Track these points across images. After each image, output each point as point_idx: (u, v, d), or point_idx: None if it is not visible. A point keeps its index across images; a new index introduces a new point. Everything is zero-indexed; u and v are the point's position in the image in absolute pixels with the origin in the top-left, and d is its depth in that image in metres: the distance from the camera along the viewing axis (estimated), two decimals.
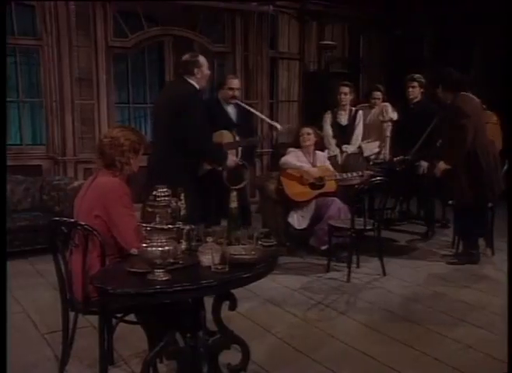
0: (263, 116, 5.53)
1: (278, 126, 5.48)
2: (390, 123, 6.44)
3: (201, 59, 4.64)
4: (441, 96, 5.19)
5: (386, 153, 6.42)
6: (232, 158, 4.83)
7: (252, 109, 5.45)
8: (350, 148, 6.28)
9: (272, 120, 8.27)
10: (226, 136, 5.13)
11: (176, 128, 4.40)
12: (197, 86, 4.59)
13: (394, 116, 6.42)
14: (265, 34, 8.01)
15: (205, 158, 4.68)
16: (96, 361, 2.86)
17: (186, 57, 4.70)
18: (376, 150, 6.41)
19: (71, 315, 3.00)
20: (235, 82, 5.40)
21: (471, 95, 5.03)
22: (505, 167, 5.48)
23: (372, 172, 5.51)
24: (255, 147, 5.34)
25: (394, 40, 9.11)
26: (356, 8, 8.59)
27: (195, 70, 4.56)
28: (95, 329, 3.14)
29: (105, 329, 2.84)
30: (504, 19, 7.19)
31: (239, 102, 5.46)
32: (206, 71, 4.65)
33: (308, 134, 5.67)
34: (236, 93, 5.39)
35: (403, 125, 6.25)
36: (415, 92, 6.23)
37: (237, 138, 5.19)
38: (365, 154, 6.33)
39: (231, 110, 5.41)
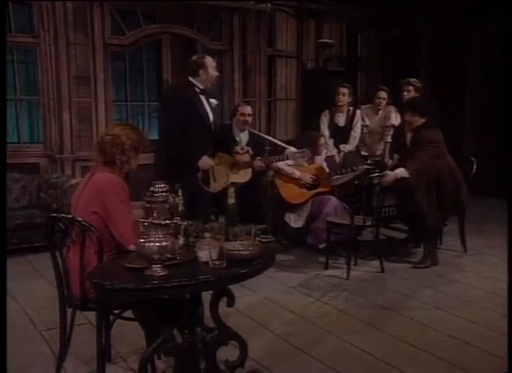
0: (275, 140, 5.80)
1: (292, 148, 5.55)
2: (391, 129, 6.40)
3: (208, 61, 4.85)
4: (408, 120, 5.35)
5: (386, 158, 6.38)
6: (206, 161, 4.82)
7: (265, 135, 5.83)
8: (347, 147, 6.27)
9: (270, 118, 8.37)
10: (224, 159, 5.28)
11: (159, 126, 4.68)
12: (200, 86, 4.82)
13: (396, 121, 6.37)
14: (263, 32, 8.00)
15: (178, 155, 4.69)
16: (94, 358, 2.86)
17: (193, 57, 4.96)
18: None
19: (69, 311, 2.99)
20: (247, 108, 5.63)
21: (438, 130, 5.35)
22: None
23: (366, 167, 5.51)
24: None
25: (393, 39, 9.11)
26: (354, 6, 8.60)
27: (200, 71, 4.81)
28: (92, 326, 3.15)
29: (102, 326, 2.83)
30: (503, 17, 7.20)
31: (252, 130, 5.73)
32: (212, 72, 4.85)
33: (323, 143, 5.74)
34: (248, 119, 5.58)
35: (398, 131, 6.21)
36: (411, 97, 6.18)
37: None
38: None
39: (243, 137, 5.59)
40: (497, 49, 8.25)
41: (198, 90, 4.87)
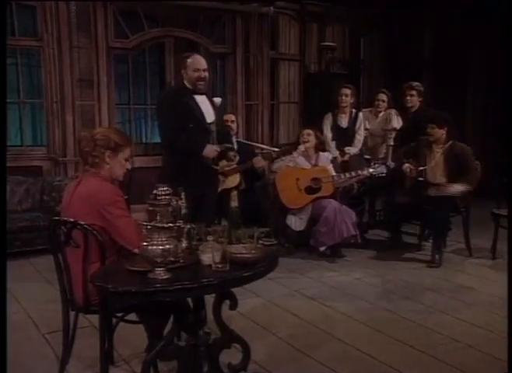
0: (261, 145, 6.31)
1: (275, 149, 5.99)
2: (393, 132, 6.38)
3: (189, 60, 4.70)
4: (429, 132, 5.48)
5: (389, 163, 6.30)
6: (211, 148, 4.74)
7: (252, 143, 6.32)
8: (352, 150, 6.26)
9: (273, 121, 8.38)
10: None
11: (158, 130, 4.99)
12: (189, 86, 4.73)
13: (398, 125, 6.34)
14: (266, 35, 8.02)
15: (180, 150, 4.70)
16: (97, 361, 2.85)
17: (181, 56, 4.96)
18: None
19: (72, 314, 2.99)
20: (229, 116, 6.12)
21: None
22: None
23: (371, 171, 5.51)
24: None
25: (395, 42, 9.11)
26: (356, 9, 8.60)
27: (182, 71, 4.75)
28: (95, 329, 3.14)
29: (105, 329, 2.83)
30: (504, 18, 7.20)
31: (238, 139, 6.10)
32: (191, 72, 4.67)
33: (308, 134, 5.67)
34: (231, 125, 5.97)
35: (403, 135, 6.18)
36: (414, 101, 6.15)
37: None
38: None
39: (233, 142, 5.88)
40: (500, 49, 8.23)
41: (190, 91, 4.76)
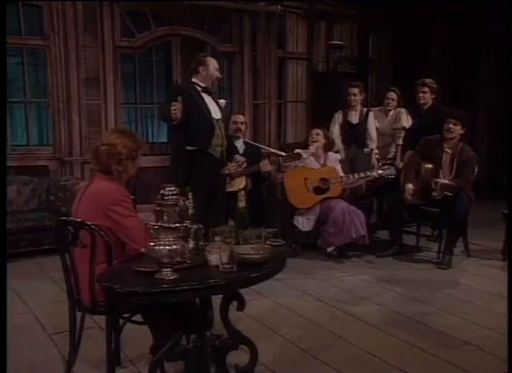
0: (269, 149, 6.42)
1: (283, 153, 5.90)
2: (402, 132, 6.30)
3: (209, 59, 4.96)
4: (450, 127, 5.28)
5: (398, 163, 6.13)
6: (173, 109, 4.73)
7: (259, 145, 6.32)
8: (372, 145, 6.26)
9: (280, 120, 8.36)
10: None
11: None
12: (201, 84, 4.91)
13: (408, 124, 6.27)
14: (273, 34, 7.98)
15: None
16: (103, 362, 2.84)
17: (197, 56, 5.11)
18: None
19: (79, 315, 2.97)
20: (239, 117, 5.92)
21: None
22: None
23: (380, 172, 5.46)
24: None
25: (404, 40, 9.06)
26: (365, 7, 8.56)
27: (200, 68, 4.90)
28: (102, 330, 3.13)
29: (112, 330, 2.81)
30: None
31: (246, 140, 6.01)
32: (212, 70, 4.93)
33: (317, 134, 5.65)
34: (240, 126, 5.82)
35: (416, 132, 6.02)
36: (427, 98, 6.03)
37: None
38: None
39: (239, 145, 5.79)
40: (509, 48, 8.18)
41: (199, 88, 4.91)
